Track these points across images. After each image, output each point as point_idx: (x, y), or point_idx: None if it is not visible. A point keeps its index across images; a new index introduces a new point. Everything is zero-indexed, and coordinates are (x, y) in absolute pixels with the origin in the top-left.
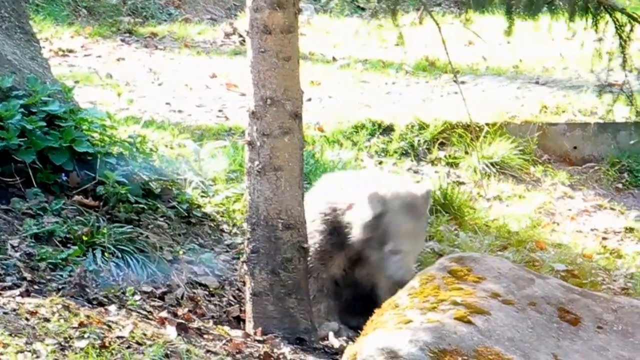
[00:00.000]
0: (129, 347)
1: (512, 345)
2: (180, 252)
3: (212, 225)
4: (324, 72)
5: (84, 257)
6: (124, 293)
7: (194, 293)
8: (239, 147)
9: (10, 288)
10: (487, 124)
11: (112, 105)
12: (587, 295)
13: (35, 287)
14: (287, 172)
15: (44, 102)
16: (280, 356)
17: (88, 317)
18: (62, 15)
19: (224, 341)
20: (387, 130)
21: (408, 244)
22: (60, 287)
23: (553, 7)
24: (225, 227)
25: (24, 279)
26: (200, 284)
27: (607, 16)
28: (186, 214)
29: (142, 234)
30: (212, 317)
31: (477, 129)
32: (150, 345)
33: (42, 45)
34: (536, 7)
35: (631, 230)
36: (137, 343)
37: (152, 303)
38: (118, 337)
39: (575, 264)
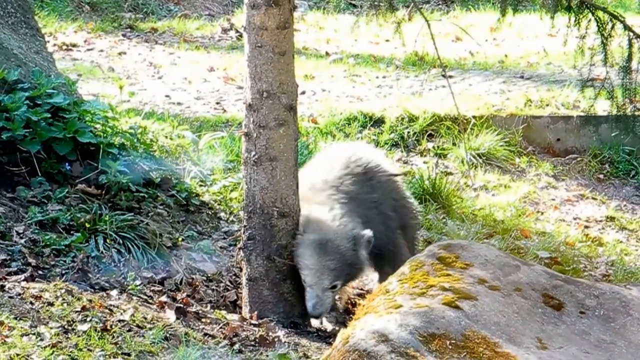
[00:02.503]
0: (129, 330)
1: (498, 330)
2: (180, 239)
3: (210, 213)
4: (317, 67)
5: (87, 244)
6: (125, 278)
7: (193, 278)
8: (236, 138)
9: (15, 273)
10: (474, 117)
11: (114, 98)
12: (570, 281)
13: (40, 272)
14: (282, 162)
15: (49, 95)
16: (275, 339)
17: (90, 301)
18: (65, 11)
19: (221, 325)
20: (378, 122)
21: (311, 279)
22: (63, 272)
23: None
24: (222, 215)
25: (29, 264)
26: (199, 270)
27: (590, 14)
28: (185, 203)
29: (142, 221)
30: (210, 301)
31: (465, 121)
32: (151, 329)
33: (47, 40)
34: (519, 3)
35: (612, 219)
36: (138, 326)
37: (152, 288)
38: (119, 321)
39: (558, 252)
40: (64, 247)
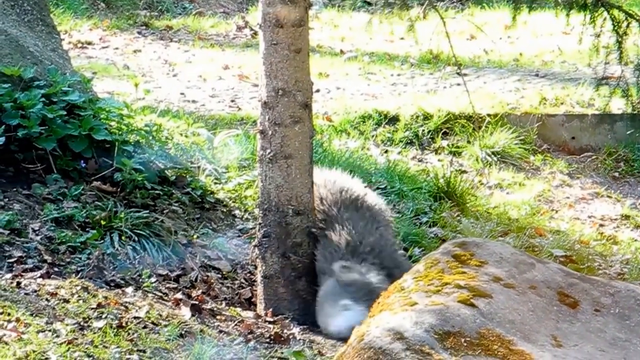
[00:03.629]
0: (145, 327)
1: (512, 327)
2: (194, 237)
3: (225, 210)
4: (332, 65)
5: (102, 241)
6: (140, 275)
7: (208, 276)
8: (251, 135)
9: (31, 270)
10: (488, 115)
11: (129, 95)
12: (586, 279)
13: (56, 269)
14: (297, 160)
15: (64, 92)
16: (290, 336)
17: (106, 298)
18: (81, 9)
19: (236, 322)
20: (393, 120)
21: None
22: (79, 269)
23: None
24: (237, 212)
25: (45, 261)
26: (214, 267)
27: (605, 12)
28: (200, 200)
29: (157, 218)
30: (225, 299)
31: (479, 119)
32: (166, 326)
33: (62, 38)
34: (534, 1)
35: (627, 217)
36: (153, 323)
37: (167, 285)
38: (135, 318)
39: (573, 250)
40: (79, 244)
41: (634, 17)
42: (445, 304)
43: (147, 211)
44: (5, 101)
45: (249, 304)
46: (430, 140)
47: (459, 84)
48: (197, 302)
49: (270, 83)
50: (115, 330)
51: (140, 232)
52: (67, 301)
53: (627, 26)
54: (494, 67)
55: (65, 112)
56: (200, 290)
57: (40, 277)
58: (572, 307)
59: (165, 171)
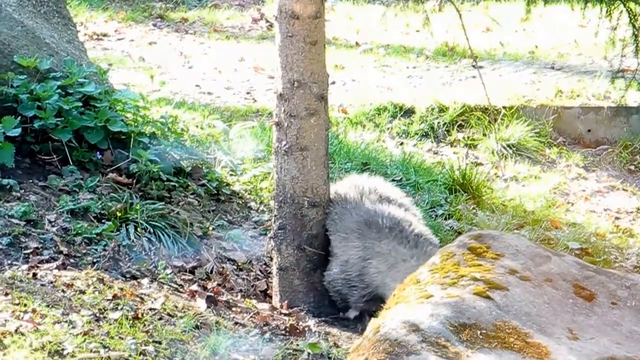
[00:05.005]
0: (160, 319)
1: (529, 320)
2: (210, 228)
3: (241, 202)
4: (347, 57)
5: (118, 232)
6: (156, 267)
7: (223, 268)
8: (267, 127)
9: (47, 261)
10: (504, 107)
11: (144, 87)
12: (602, 272)
13: (71, 260)
14: (313, 151)
15: (80, 84)
16: (306, 328)
17: (122, 289)
18: (96, 1)
19: (251, 314)
20: (408, 112)
21: None
22: (95, 260)
23: None
24: (252, 204)
25: (61, 252)
26: (229, 259)
27: (621, 5)
28: (215, 192)
29: (173, 210)
30: (240, 290)
31: (495, 112)
32: (181, 317)
33: (78, 29)
34: None
35: None
36: (169, 315)
37: (183, 277)
38: (150, 309)
39: (589, 243)
40: (95, 235)
41: None
42: (461, 297)
43: (163, 203)
44: (21, 92)
45: (265, 296)
46: (445, 132)
47: (474, 77)
48: (212, 294)
49: (285, 75)
50: (131, 321)
51: (156, 223)
52: (83, 292)
53: None
54: (509, 60)
55: (81, 104)
56: (216, 282)
57: (56, 268)
58: (588, 300)
59: (181, 163)
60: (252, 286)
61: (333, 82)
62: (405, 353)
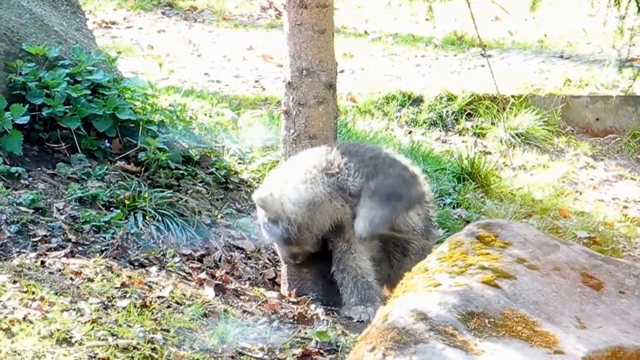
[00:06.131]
0: (169, 307)
1: (536, 309)
2: (218, 217)
3: (249, 190)
4: (355, 45)
5: (126, 221)
6: (164, 255)
7: (231, 256)
8: (275, 116)
9: (55, 249)
10: (512, 96)
11: (153, 75)
12: (610, 261)
13: (80, 248)
14: (321, 140)
15: (89, 72)
16: (314, 317)
17: (130, 277)
18: None
19: (259, 302)
20: (417, 101)
21: None
22: (103, 248)
23: None
24: None
25: (69, 240)
26: (237, 247)
27: None
28: (224, 180)
29: (181, 198)
30: (249, 279)
31: (504, 100)
32: (190, 305)
33: (86, 17)
34: None
35: None
36: (177, 303)
37: (191, 265)
38: (158, 297)
39: (597, 232)
40: (103, 223)
41: None
42: (469, 285)
43: (171, 191)
44: (30, 80)
45: (273, 284)
46: (454, 121)
47: (483, 66)
48: (220, 282)
49: (294, 63)
50: (139, 309)
51: (164, 212)
52: (91, 280)
53: None
54: (518, 49)
55: (89, 92)
56: (224, 270)
57: (64, 256)
58: (596, 289)
59: (190, 151)
60: (261, 274)
61: (342, 71)
62: (413, 341)
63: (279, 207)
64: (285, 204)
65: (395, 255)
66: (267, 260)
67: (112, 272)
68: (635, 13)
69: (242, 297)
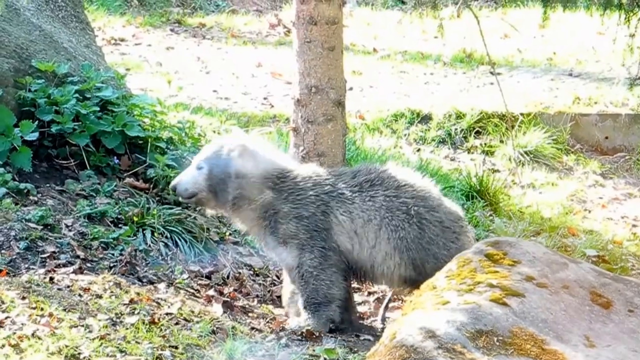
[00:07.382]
0: (177, 324)
1: (545, 327)
2: (227, 234)
3: None
4: (364, 63)
5: (135, 237)
6: (172, 272)
7: (239, 273)
8: (284, 133)
9: (64, 265)
10: (521, 114)
11: (162, 92)
12: (619, 279)
13: (88, 264)
14: (329, 157)
15: (98, 88)
16: (322, 334)
17: (138, 294)
18: (114, 5)
19: (267, 319)
20: (426, 119)
21: None
22: (111, 265)
23: (588, 2)
24: None
25: (78, 257)
26: (245, 264)
27: None
28: None
29: (190, 215)
30: (257, 296)
31: (512, 118)
32: (198, 322)
33: (96, 34)
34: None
35: None
36: (185, 319)
37: (200, 282)
38: (167, 314)
39: (606, 250)
40: (112, 240)
41: None
42: (477, 303)
43: (180, 208)
44: (39, 97)
45: (281, 301)
46: (462, 139)
47: (492, 83)
48: (229, 299)
49: (303, 80)
50: (147, 326)
51: (173, 228)
52: (99, 297)
53: None
54: (527, 67)
55: (98, 108)
56: (232, 287)
57: (73, 272)
58: (605, 307)
59: None
60: (269, 291)
61: (350, 88)
62: (422, 359)
63: None
64: None
65: None
66: (275, 278)
67: (121, 289)
68: None
69: (250, 314)
